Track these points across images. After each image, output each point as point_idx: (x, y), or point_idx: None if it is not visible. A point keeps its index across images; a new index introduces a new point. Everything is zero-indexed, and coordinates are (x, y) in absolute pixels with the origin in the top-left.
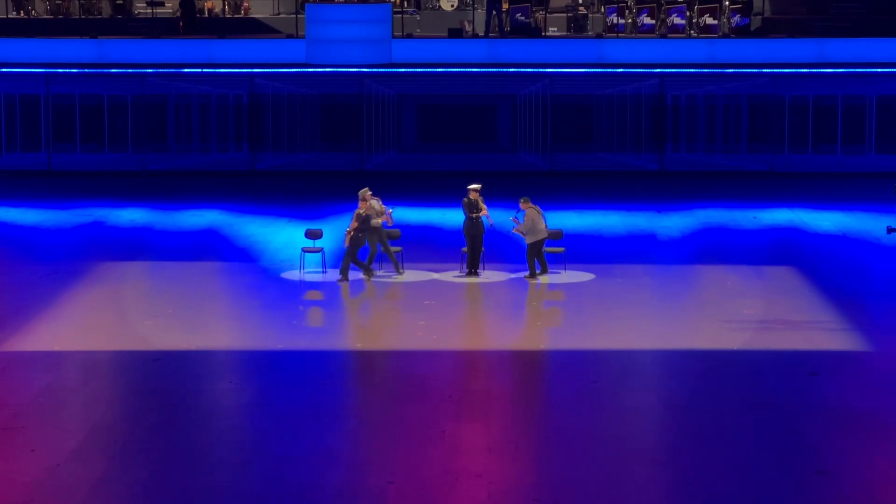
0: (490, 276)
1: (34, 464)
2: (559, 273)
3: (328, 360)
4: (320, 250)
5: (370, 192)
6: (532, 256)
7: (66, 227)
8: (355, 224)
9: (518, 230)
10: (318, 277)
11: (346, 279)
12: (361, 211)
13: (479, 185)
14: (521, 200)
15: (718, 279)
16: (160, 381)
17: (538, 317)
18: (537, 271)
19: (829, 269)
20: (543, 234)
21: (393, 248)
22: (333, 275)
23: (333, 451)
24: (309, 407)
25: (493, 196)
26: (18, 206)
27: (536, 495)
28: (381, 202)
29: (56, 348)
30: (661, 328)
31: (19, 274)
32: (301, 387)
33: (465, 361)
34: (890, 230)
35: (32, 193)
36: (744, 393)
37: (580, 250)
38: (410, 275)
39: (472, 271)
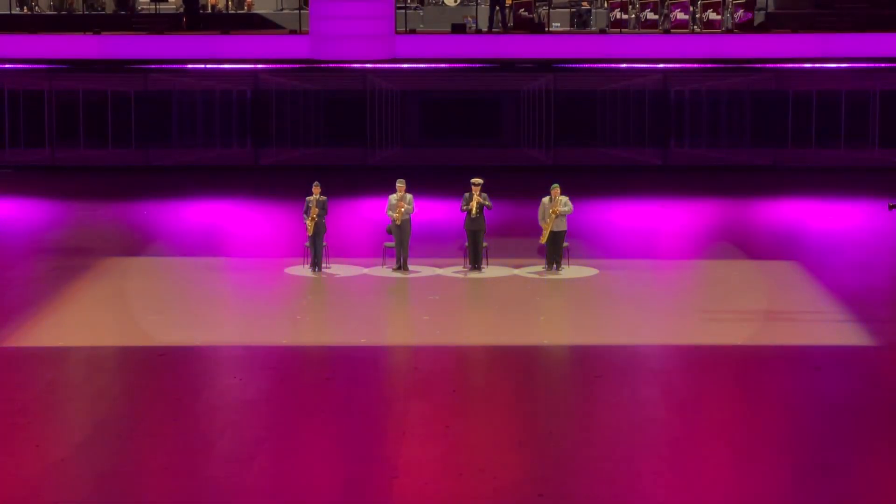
0: (494, 271)
1: (39, 459)
2: (563, 268)
3: (332, 355)
4: (324, 245)
5: (403, 185)
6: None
7: (69, 222)
8: (316, 210)
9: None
10: (321, 272)
11: (320, 267)
12: (312, 198)
13: (480, 180)
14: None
15: (722, 274)
16: (164, 376)
17: (542, 312)
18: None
19: (833, 264)
20: (546, 227)
21: (389, 245)
22: (337, 270)
23: (337, 446)
24: (313, 402)
25: (496, 191)
26: (22, 202)
27: (540, 490)
28: (408, 199)
29: (60, 344)
30: (665, 323)
31: (23, 269)
32: (305, 382)
33: (469, 356)
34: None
35: (36, 189)
36: (747, 387)
37: (583, 245)
38: (414, 270)
39: (475, 267)
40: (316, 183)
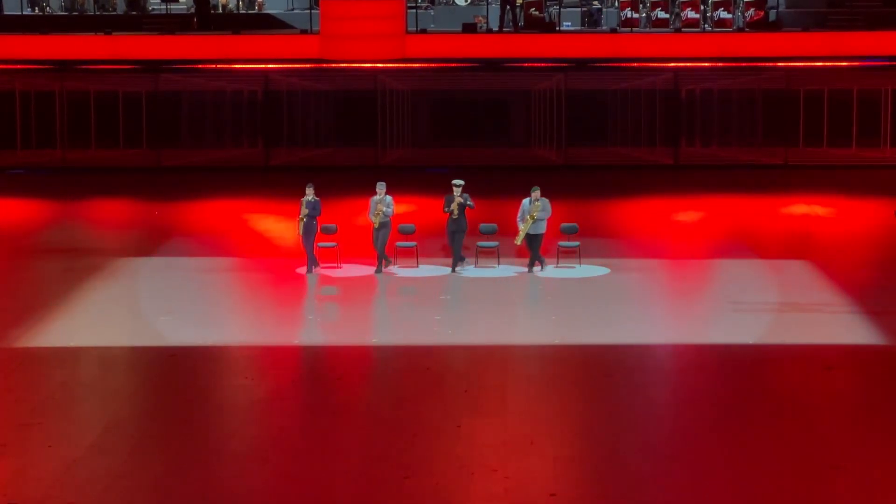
0: (505, 270)
1: (51, 459)
2: (573, 267)
3: (343, 355)
4: (335, 246)
5: (383, 187)
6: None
7: (80, 223)
8: (305, 211)
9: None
10: (333, 273)
11: (316, 264)
12: (305, 199)
13: (461, 181)
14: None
15: (733, 273)
16: (176, 376)
17: (553, 311)
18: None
19: (845, 263)
20: (523, 229)
21: (407, 244)
22: (348, 270)
23: (349, 446)
24: (324, 402)
25: (507, 191)
26: (33, 202)
27: (552, 490)
28: (385, 202)
29: (72, 344)
30: (676, 322)
31: (35, 270)
32: (317, 382)
33: (481, 356)
34: None
35: (47, 190)
36: (759, 387)
37: (595, 244)
38: (425, 269)
39: (455, 269)
40: (309, 184)
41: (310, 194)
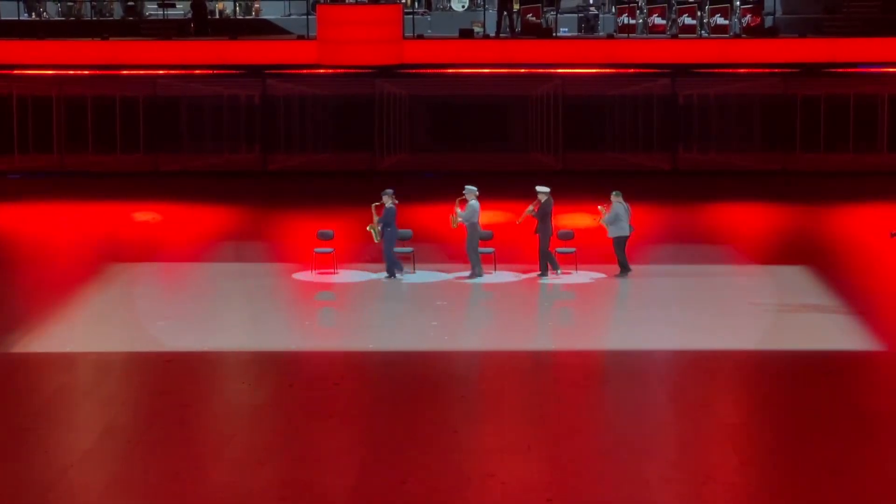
0: (502, 276)
1: (47, 464)
2: (570, 273)
3: (340, 360)
4: (332, 251)
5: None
6: (616, 252)
7: (78, 228)
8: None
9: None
10: (330, 278)
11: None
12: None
13: (546, 188)
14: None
15: (731, 279)
16: (173, 381)
17: (550, 317)
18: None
19: (842, 269)
20: (624, 232)
21: (403, 250)
22: (345, 275)
23: (346, 452)
24: (321, 407)
25: (506, 196)
26: (31, 207)
27: (549, 495)
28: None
29: (69, 349)
30: (673, 328)
31: (31, 275)
32: (313, 387)
33: (477, 362)
34: (893, 235)
35: (45, 194)
36: (757, 393)
37: (592, 250)
38: (422, 275)
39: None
40: (391, 191)
41: (389, 202)
